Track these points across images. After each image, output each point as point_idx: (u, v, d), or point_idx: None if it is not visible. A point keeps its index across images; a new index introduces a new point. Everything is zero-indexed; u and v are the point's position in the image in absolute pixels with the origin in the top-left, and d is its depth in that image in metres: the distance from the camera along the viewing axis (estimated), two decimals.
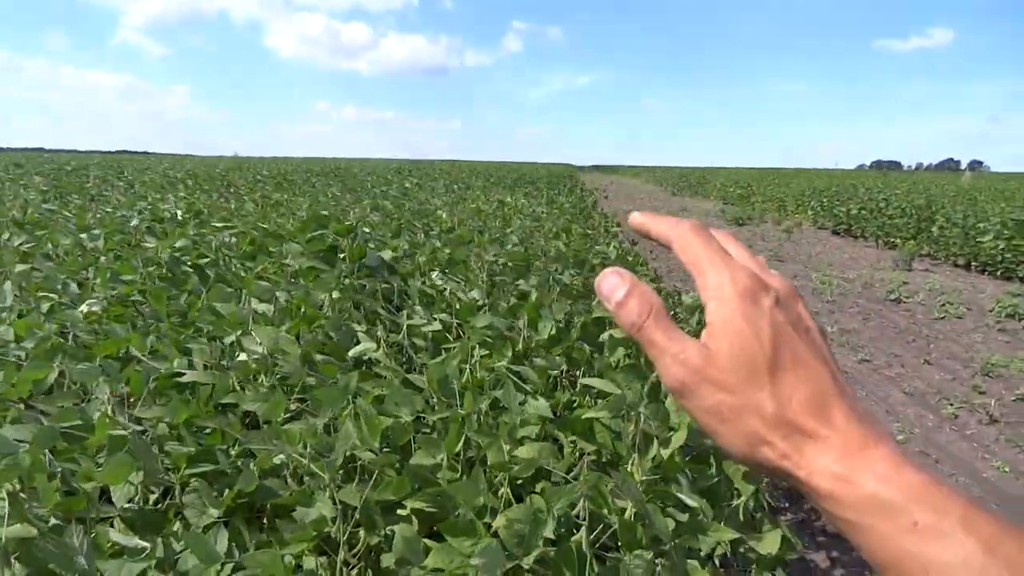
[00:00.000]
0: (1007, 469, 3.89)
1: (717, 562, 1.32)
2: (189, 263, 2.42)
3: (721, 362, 0.38)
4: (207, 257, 2.53)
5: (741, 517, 1.35)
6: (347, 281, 2.10)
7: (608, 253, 3.41)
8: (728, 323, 0.38)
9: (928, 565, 0.33)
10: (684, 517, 1.18)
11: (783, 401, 0.37)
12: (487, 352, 1.66)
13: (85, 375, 1.33)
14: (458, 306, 1.94)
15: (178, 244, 2.67)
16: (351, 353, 1.59)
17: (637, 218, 0.47)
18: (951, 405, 4.80)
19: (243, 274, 2.32)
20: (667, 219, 0.44)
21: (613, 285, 0.41)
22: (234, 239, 3.01)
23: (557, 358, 1.67)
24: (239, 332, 1.58)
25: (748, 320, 0.38)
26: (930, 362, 5.76)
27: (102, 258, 2.54)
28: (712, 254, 0.41)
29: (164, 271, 2.32)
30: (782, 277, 0.43)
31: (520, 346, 1.74)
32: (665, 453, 1.27)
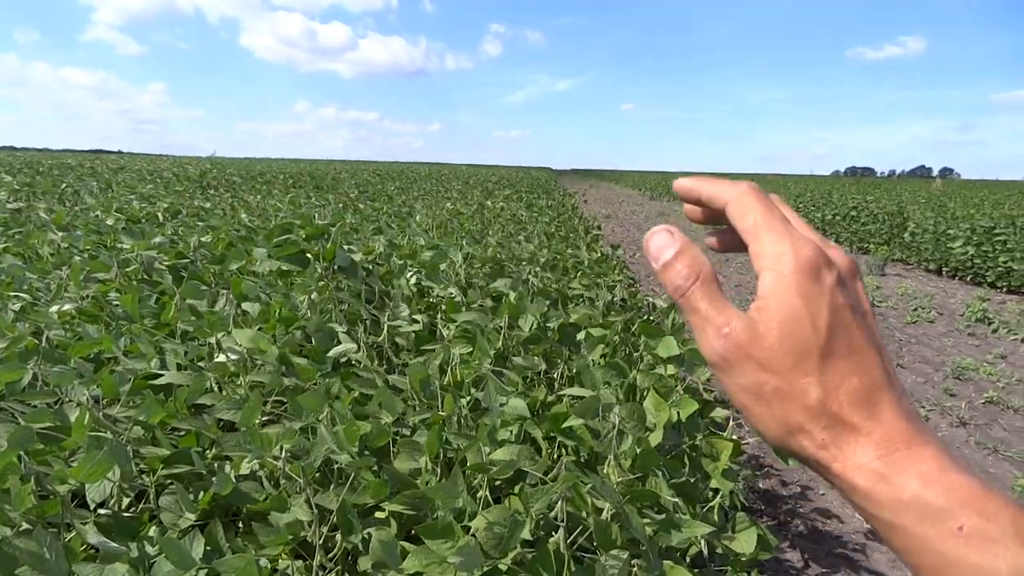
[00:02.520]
0: (976, 471, 3.95)
1: (689, 560, 1.33)
2: (165, 263, 2.39)
3: (769, 342, 0.35)
4: (184, 258, 2.51)
5: (716, 516, 1.37)
6: (323, 283, 2.09)
7: (581, 257, 3.42)
8: (783, 301, 0.35)
9: (973, 572, 0.31)
10: (660, 517, 1.19)
11: (830, 390, 0.35)
12: (468, 350, 1.66)
13: (59, 377, 1.31)
14: (444, 306, 1.94)
15: (154, 241, 2.64)
16: (331, 354, 1.59)
17: (684, 183, 0.43)
18: (923, 408, 4.88)
19: (214, 275, 2.30)
20: (720, 181, 0.41)
21: (662, 244, 0.39)
22: (208, 240, 2.99)
23: (536, 358, 1.67)
24: (220, 334, 1.57)
25: (806, 300, 0.35)
26: (903, 366, 5.85)
27: (76, 258, 2.50)
28: (773, 220, 0.38)
29: (138, 272, 2.30)
30: (843, 251, 0.39)
31: (500, 344, 1.74)
32: (647, 449, 1.28)
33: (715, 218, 0.44)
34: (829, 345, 0.35)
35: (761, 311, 0.36)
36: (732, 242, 0.44)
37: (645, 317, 2.43)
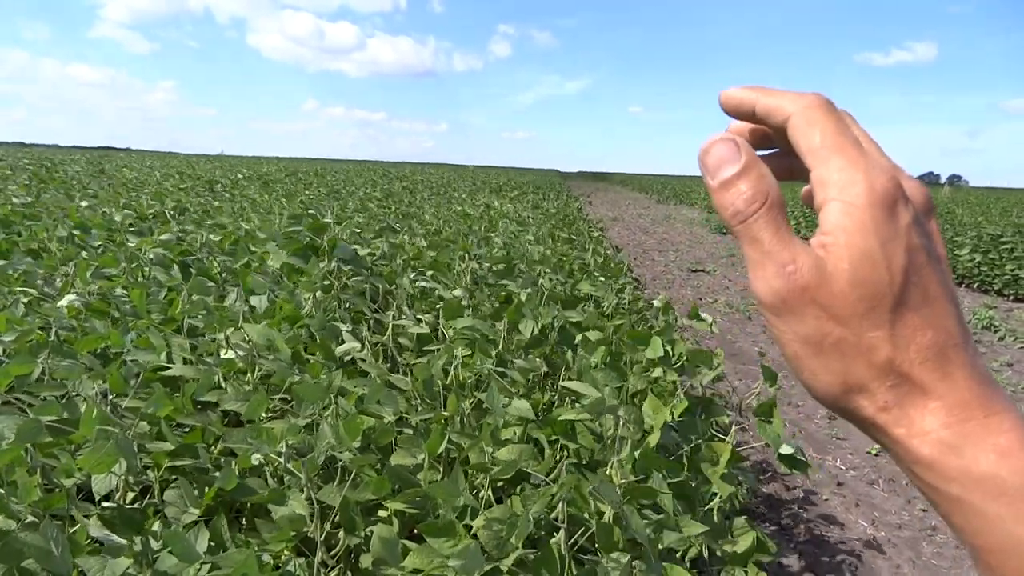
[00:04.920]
0: None
1: (688, 563, 1.33)
2: (171, 259, 2.41)
3: (839, 286, 0.31)
4: (191, 255, 2.53)
5: (716, 519, 1.37)
6: (328, 281, 2.10)
7: (587, 259, 3.43)
8: (855, 238, 0.30)
9: None
10: (658, 517, 1.20)
11: (900, 346, 0.31)
12: (470, 352, 1.67)
13: (68, 371, 1.33)
14: (439, 306, 1.95)
15: (161, 238, 2.66)
16: (337, 352, 1.59)
17: (736, 92, 0.37)
18: None
19: (221, 272, 2.31)
20: (782, 91, 0.35)
21: (723, 157, 0.33)
22: (216, 238, 3.00)
23: (537, 360, 1.68)
24: (229, 329, 1.58)
25: (881, 239, 0.30)
26: None
27: (84, 253, 2.52)
28: (844, 141, 0.32)
29: (142, 269, 2.31)
30: (919, 182, 0.34)
31: (500, 347, 1.75)
32: (648, 450, 1.28)
33: (767, 140, 0.39)
34: (903, 294, 0.31)
35: (830, 249, 0.31)
36: (784, 168, 0.38)
37: (640, 320, 2.43)
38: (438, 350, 1.66)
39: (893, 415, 0.31)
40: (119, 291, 2.02)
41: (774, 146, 0.39)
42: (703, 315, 2.05)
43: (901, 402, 0.31)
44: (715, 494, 1.42)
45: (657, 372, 1.68)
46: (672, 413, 1.45)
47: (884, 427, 0.31)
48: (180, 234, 2.93)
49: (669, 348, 1.69)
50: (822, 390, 0.33)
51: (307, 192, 7.95)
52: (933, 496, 0.31)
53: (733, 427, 1.56)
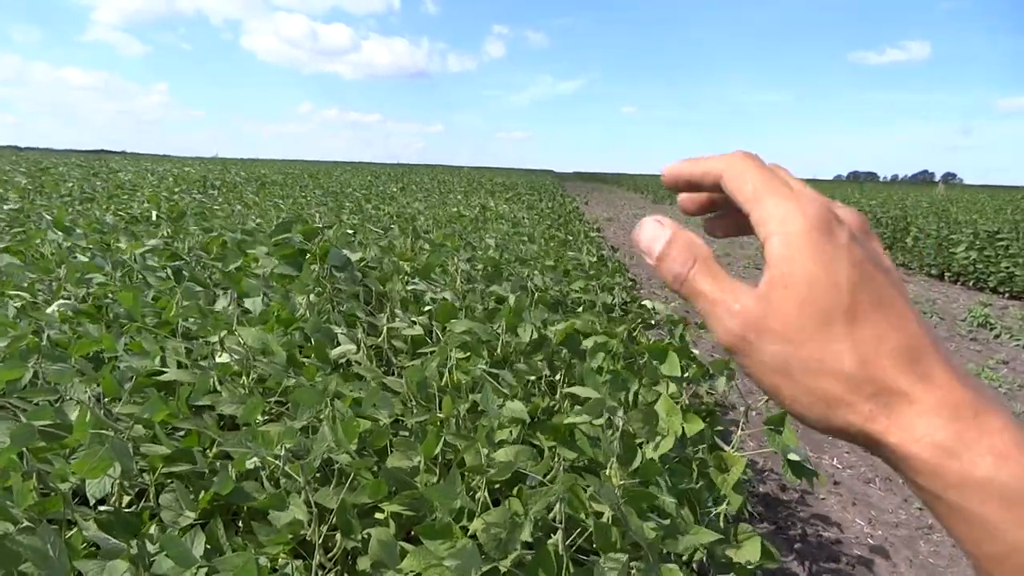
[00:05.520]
0: None
1: (695, 567, 1.33)
2: (159, 264, 2.40)
3: (786, 310, 0.32)
4: (180, 259, 2.52)
5: (722, 523, 1.37)
6: (321, 284, 2.09)
7: (582, 260, 3.42)
8: (796, 263, 0.32)
9: None
10: (665, 522, 1.19)
11: (866, 354, 0.31)
12: (465, 355, 1.66)
13: (60, 375, 1.32)
14: (427, 309, 1.95)
15: (149, 243, 2.65)
16: (332, 354, 1.59)
17: (671, 167, 0.40)
18: None
19: (212, 276, 2.31)
20: (710, 156, 0.38)
21: (652, 236, 0.36)
22: (205, 241, 2.99)
23: (539, 363, 1.67)
24: (223, 333, 1.57)
25: (822, 259, 0.32)
26: None
27: (80, 257, 2.51)
28: (774, 183, 0.34)
29: (133, 273, 2.30)
30: (853, 208, 0.36)
31: (499, 351, 1.75)
32: (649, 454, 1.28)
33: (712, 204, 0.42)
34: (855, 304, 0.31)
35: (773, 280, 0.33)
36: (733, 225, 0.41)
37: (640, 323, 2.43)
38: (431, 352, 1.66)
39: (882, 424, 0.31)
40: (111, 295, 2.01)
41: (720, 209, 0.42)
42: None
43: (886, 410, 0.30)
44: (720, 498, 1.41)
45: (672, 388, 1.66)
46: (683, 428, 1.45)
47: (877, 437, 0.31)
48: (168, 239, 2.92)
49: (685, 365, 1.67)
50: (808, 415, 0.33)
51: (303, 195, 7.94)
52: (934, 505, 0.31)
53: (740, 431, 1.55)
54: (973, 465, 0.28)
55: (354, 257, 2.31)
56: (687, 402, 1.60)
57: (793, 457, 1.46)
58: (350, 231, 3.53)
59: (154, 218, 3.96)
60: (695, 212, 0.43)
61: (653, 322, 2.50)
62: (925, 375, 0.30)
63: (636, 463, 1.27)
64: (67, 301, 1.87)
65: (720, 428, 1.71)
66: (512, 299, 2.11)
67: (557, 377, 1.79)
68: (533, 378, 1.67)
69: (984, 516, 0.28)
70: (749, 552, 1.34)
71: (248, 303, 1.85)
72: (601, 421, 1.32)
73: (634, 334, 2.18)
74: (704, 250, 0.35)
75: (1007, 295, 9.26)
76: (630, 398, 1.56)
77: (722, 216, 0.42)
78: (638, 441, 1.31)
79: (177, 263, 2.46)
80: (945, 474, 0.29)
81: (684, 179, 0.39)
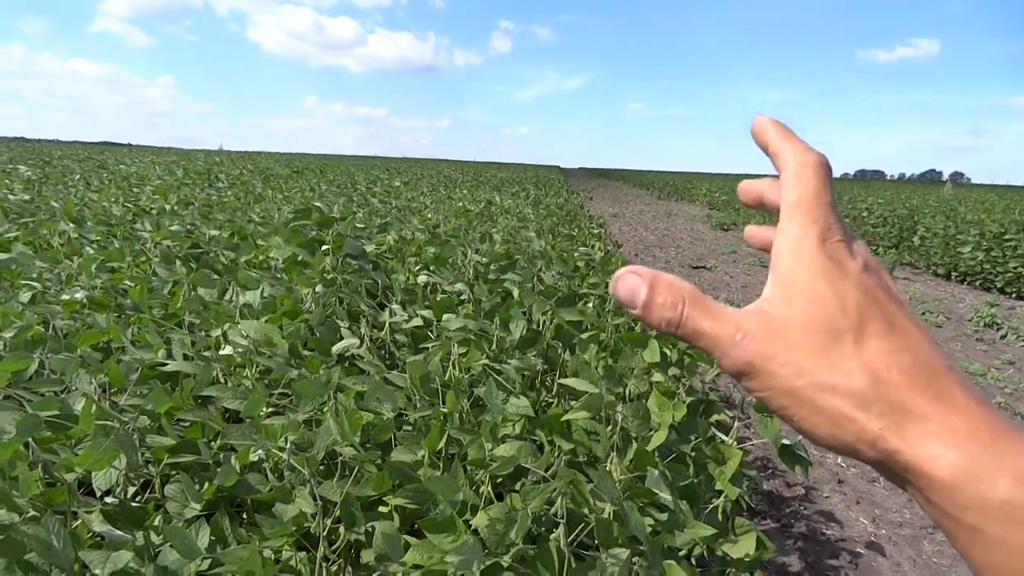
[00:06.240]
0: None
1: (694, 561, 1.33)
2: (180, 253, 2.41)
3: (791, 331, 0.32)
4: (199, 248, 2.53)
5: (720, 517, 1.37)
6: (330, 276, 2.09)
7: (591, 254, 3.42)
8: (804, 284, 0.32)
9: None
10: (663, 516, 1.19)
11: (877, 372, 0.30)
12: (466, 349, 1.67)
13: (66, 365, 1.32)
14: (428, 303, 1.95)
15: (171, 229, 2.66)
16: (335, 349, 1.59)
17: (763, 122, 0.38)
18: None
19: (226, 265, 2.31)
20: (797, 139, 0.37)
21: (631, 286, 0.35)
22: (223, 234, 3.00)
23: (533, 358, 1.68)
24: (226, 325, 1.58)
25: (830, 281, 0.32)
26: None
27: (88, 248, 2.52)
28: (817, 204, 0.34)
29: (148, 263, 2.31)
30: (866, 245, 0.36)
31: (495, 345, 1.75)
32: (642, 448, 1.28)
33: (761, 204, 0.41)
34: (865, 324, 0.31)
35: (775, 300, 0.33)
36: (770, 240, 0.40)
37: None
38: (433, 346, 1.66)
39: (894, 444, 0.30)
40: (124, 285, 2.02)
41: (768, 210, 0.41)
42: None
43: (899, 429, 0.30)
44: (718, 493, 1.42)
45: (658, 376, 1.67)
46: (673, 415, 1.45)
47: (890, 456, 0.30)
48: (189, 227, 2.93)
49: (667, 351, 1.69)
50: (819, 435, 0.32)
51: (311, 190, 7.95)
52: (950, 528, 0.29)
53: (736, 424, 1.56)
54: (993, 487, 0.27)
55: (369, 248, 2.32)
56: (680, 393, 1.60)
57: (785, 442, 1.47)
58: (360, 225, 3.53)
59: (172, 209, 3.97)
60: (749, 202, 0.41)
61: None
62: (941, 395, 0.30)
63: (629, 455, 1.27)
64: (79, 290, 1.88)
65: (717, 418, 1.71)
66: (516, 293, 2.11)
67: (553, 372, 1.79)
68: (527, 373, 1.67)
69: (1001, 538, 0.27)
70: (746, 546, 1.35)
71: (247, 296, 1.85)
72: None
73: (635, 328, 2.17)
74: (688, 288, 0.35)
75: (1014, 295, 9.22)
76: (625, 392, 1.56)
77: (767, 229, 0.41)
78: (633, 435, 1.32)
79: (196, 251, 2.47)
80: (963, 495, 0.28)
81: (763, 140, 0.38)
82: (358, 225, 3.49)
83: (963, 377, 0.31)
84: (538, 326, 1.89)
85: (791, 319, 0.32)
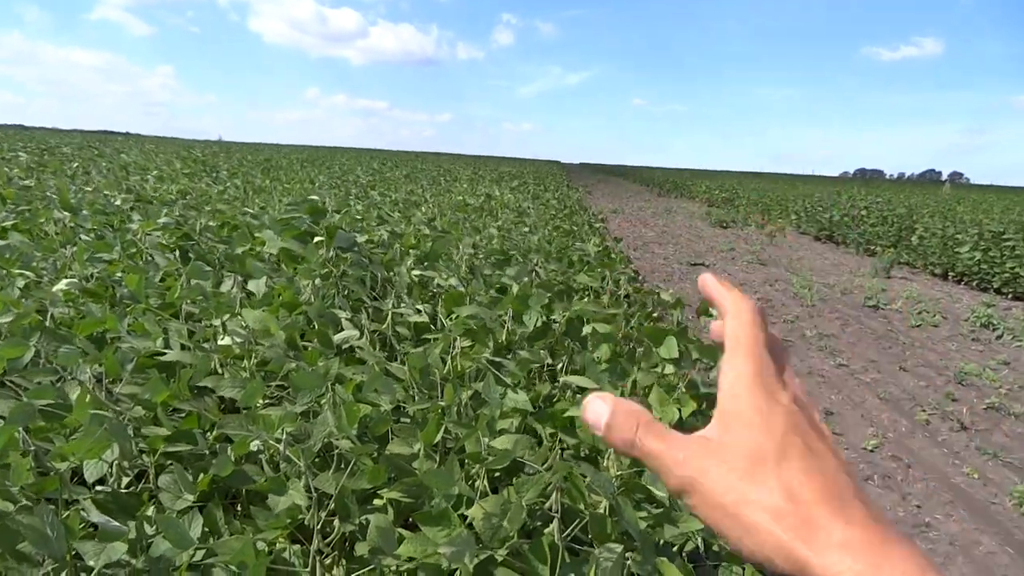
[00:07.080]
0: (976, 475, 3.96)
1: (685, 558, 1.33)
2: (170, 244, 2.40)
3: (726, 454, 0.36)
4: (190, 239, 2.52)
5: None
6: (327, 269, 2.09)
7: (588, 250, 3.42)
8: (739, 413, 0.37)
9: None
10: (658, 512, 1.19)
11: (791, 491, 0.35)
12: (469, 343, 1.66)
13: (62, 355, 1.32)
14: (443, 297, 1.94)
15: (160, 222, 2.65)
16: (335, 339, 1.59)
17: (707, 278, 0.45)
18: (924, 411, 4.87)
19: (220, 257, 2.31)
20: (732, 290, 0.44)
21: (596, 412, 0.40)
22: (214, 224, 2.99)
23: (541, 352, 1.67)
24: (225, 316, 1.57)
25: (760, 411, 0.37)
26: (905, 369, 5.84)
27: (83, 237, 2.51)
28: (754, 345, 0.40)
29: (142, 254, 2.30)
30: (803, 384, 0.42)
31: (504, 338, 1.74)
32: None
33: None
34: (786, 450, 0.36)
35: (717, 427, 0.38)
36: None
37: (645, 311, 2.42)
38: (435, 339, 1.66)
39: (802, 554, 0.33)
40: (118, 275, 2.01)
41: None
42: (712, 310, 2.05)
43: (807, 541, 0.33)
44: None
45: (668, 369, 1.66)
46: (680, 412, 1.45)
47: (804, 570, 0.34)
48: (179, 218, 2.91)
49: (684, 348, 1.68)
50: (742, 548, 0.36)
51: (311, 182, 7.94)
52: None
53: None
54: None
55: (361, 239, 2.32)
56: (683, 387, 1.59)
57: None
58: (357, 217, 3.53)
59: (170, 199, 3.96)
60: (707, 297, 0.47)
61: (655, 312, 2.50)
62: (846, 514, 0.34)
63: None
64: (73, 280, 1.87)
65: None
66: (515, 287, 2.10)
67: (559, 365, 1.78)
68: (535, 366, 1.67)
69: None
70: None
71: (252, 285, 1.85)
72: None
73: (631, 323, 2.17)
74: (645, 414, 0.39)
75: (1011, 296, 9.24)
76: (629, 386, 1.56)
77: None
78: None
79: (188, 243, 2.46)
80: None
81: (707, 293, 0.45)
82: (356, 217, 3.49)
83: (866, 498, 0.36)
84: (546, 319, 1.89)
85: (726, 443, 0.37)
